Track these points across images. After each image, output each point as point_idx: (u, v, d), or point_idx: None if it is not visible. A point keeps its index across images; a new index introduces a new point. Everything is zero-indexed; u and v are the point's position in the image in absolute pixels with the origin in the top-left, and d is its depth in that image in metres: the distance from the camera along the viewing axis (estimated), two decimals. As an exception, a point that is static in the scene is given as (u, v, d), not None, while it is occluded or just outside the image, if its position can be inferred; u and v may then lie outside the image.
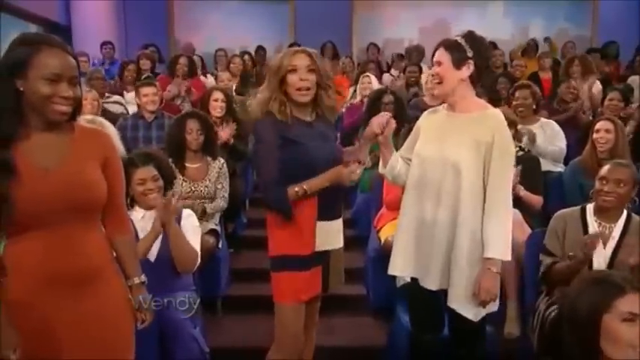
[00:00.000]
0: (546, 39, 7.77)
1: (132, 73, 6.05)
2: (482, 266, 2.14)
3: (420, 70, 6.11)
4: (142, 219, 2.62)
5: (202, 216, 3.45)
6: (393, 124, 2.32)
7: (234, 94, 5.32)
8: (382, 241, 3.41)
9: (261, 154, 2.17)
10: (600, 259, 2.50)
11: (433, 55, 2.29)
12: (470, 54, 2.20)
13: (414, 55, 7.04)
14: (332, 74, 2.39)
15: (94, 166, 1.71)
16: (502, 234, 2.14)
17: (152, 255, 2.57)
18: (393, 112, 4.38)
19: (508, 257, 2.18)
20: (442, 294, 2.25)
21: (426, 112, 2.41)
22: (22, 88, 1.58)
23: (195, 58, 6.64)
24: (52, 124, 1.64)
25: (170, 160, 3.21)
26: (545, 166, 3.81)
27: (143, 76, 5.87)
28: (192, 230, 2.69)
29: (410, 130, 3.58)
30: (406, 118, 4.34)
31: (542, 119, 4.18)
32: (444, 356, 2.38)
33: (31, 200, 1.57)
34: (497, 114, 2.25)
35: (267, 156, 2.15)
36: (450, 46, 2.22)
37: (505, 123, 2.24)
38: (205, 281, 3.18)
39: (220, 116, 4.34)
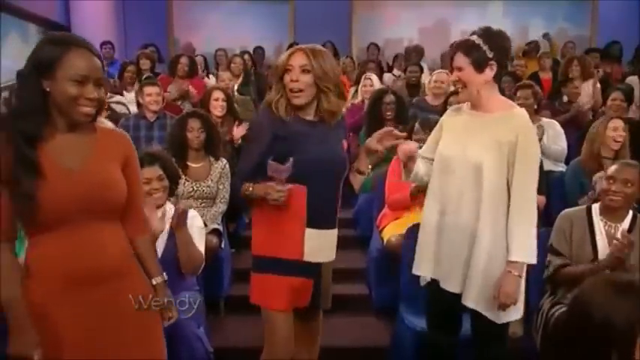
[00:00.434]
0: (545, 35, 7.76)
1: (131, 73, 6.04)
2: (504, 269, 2.10)
3: (421, 70, 6.11)
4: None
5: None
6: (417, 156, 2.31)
7: (235, 93, 5.32)
8: (385, 241, 3.41)
9: (246, 148, 2.14)
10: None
11: (452, 59, 2.21)
12: (490, 54, 2.12)
13: (413, 55, 7.04)
14: (338, 75, 2.17)
15: (116, 166, 1.71)
16: (527, 236, 2.09)
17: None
18: (394, 112, 4.40)
19: (533, 260, 2.12)
20: (460, 297, 2.22)
21: (449, 111, 2.37)
22: (48, 89, 1.58)
23: (198, 58, 6.64)
24: (75, 125, 1.65)
25: (173, 160, 3.20)
26: (547, 166, 3.82)
27: (144, 76, 5.85)
28: (197, 231, 2.69)
29: (412, 128, 3.61)
30: (407, 118, 4.35)
31: (544, 119, 4.18)
32: (456, 358, 2.37)
33: (56, 200, 1.57)
34: (522, 114, 2.19)
35: (251, 150, 2.13)
36: (469, 49, 2.13)
37: (530, 123, 2.20)
38: (208, 281, 3.18)
39: (221, 115, 4.35)
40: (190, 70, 5.70)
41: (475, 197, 2.13)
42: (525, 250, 2.09)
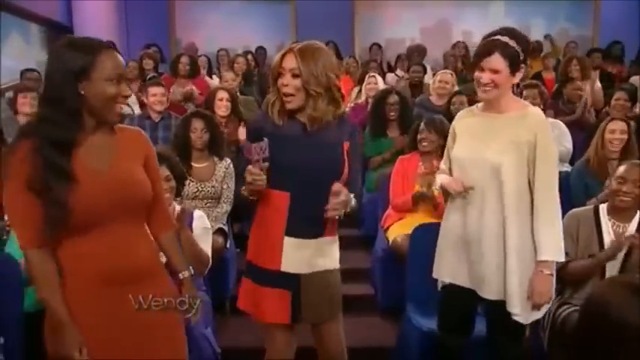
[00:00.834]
0: (547, 36, 7.77)
1: (134, 69, 6.03)
2: (535, 269, 2.10)
3: (425, 70, 6.11)
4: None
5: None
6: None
7: (238, 93, 5.31)
8: (390, 241, 3.41)
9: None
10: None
11: (479, 56, 2.11)
12: (522, 56, 2.11)
13: (415, 55, 7.03)
14: (331, 78, 1.99)
15: (139, 165, 1.73)
16: (554, 235, 2.10)
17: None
18: (398, 112, 4.40)
19: (561, 258, 2.14)
20: (476, 299, 2.22)
21: (459, 114, 2.35)
22: (82, 92, 1.58)
23: (202, 58, 6.62)
24: (100, 126, 1.65)
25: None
26: (552, 166, 3.81)
27: (148, 76, 5.85)
28: (203, 232, 2.69)
29: (417, 128, 3.60)
30: (411, 118, 4.35)
31: (549, 119, 4.16)
32: (464, 359, 2.37)
33: (88, 203, 1.58)
34: (537, 112, 2.18)
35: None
36: (508, 53, 2.07)
37: (547, 121, 2.19)
38: (214, 282, 3.17)
39: (226, 115, 4.34)
40: (192, 70, 5.69)
41: (497, 199, 2.12)
42: (554, 249, 2.10)
